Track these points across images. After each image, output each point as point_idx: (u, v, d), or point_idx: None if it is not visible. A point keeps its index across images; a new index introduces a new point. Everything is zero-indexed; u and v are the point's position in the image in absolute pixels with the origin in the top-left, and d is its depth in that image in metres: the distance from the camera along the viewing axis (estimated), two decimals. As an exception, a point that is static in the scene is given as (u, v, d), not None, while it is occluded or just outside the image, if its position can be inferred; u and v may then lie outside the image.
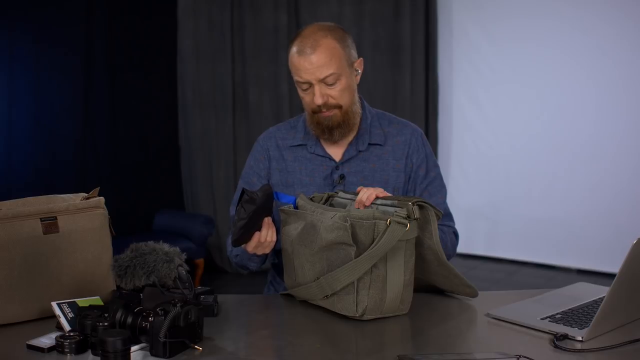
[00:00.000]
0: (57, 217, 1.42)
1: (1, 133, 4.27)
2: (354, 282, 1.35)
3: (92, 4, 4.61)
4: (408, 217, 1.36)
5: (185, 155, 5.08)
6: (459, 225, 1.84)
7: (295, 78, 1.68)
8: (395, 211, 1.38)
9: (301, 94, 1.71)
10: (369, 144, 1.77)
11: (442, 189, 1.80)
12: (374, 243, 1.34)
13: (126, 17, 4.80)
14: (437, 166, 1.83)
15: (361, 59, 1.75)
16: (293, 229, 1.49)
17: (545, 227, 5.03)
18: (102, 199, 1.50)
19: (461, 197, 5.40)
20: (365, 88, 5.05)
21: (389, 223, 1.33)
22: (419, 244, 1.44)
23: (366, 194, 1.48)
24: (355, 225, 1.35)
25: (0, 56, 4.22)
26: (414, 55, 5.33)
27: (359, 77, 1.75)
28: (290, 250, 1.49)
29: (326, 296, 1.40)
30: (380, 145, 1.78)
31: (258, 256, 1.67)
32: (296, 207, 1.53)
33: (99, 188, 1.52)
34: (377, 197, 1.47)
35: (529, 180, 5.14)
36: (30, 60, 4.36)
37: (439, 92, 5.48)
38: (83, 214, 1.46)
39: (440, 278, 1.52)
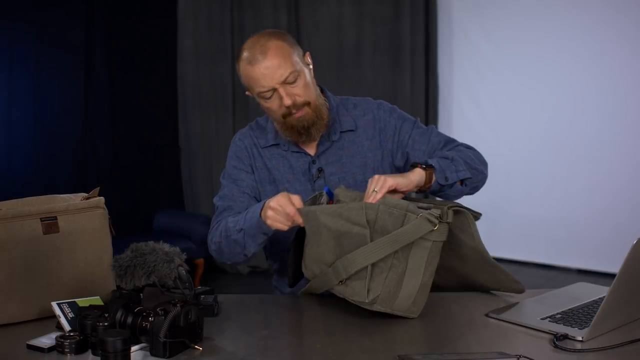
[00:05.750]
0: (57, 217, 1.42)
1: (1, 133, 4.27)
2: (367, 268, 1.35)
3: (92, 4, 4.61)
4: (440, 218, 1.35)
5: (185, 155, 5.08)
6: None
7: (257, 90, 1.65)
8: (430, 211, 1.37)
9: (266, 104, 1.68)
10: (341, 132, 1.76)
11: (428, 129, 1.78)
12: (396, 230, 1.33)
13: (126, 17, 4.80)
14: (413, 118, 1.80)
15: (307, 52, 1.73)
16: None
17: (545, 227, 5.02)
18: (102, 199, 1.50)
19: (461, 197, 5.38)
20: (365, 88, 5.04)
21: (419, 217, 1.33)
22: (461, 246, 1.45)
23: (372, 186, 1.46)
24: (385, 212, 1.35)
25: (0, 56, 4.22)
26: (414, 56, 5.32)
27: (312, 70, 1.72)
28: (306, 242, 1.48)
29: (340, 282, 1.39)
30: (352, 130, 1.77)
31: (262, 237, 1.61)
32: (332, 197, 1.53)
33: (99, 188, 1.52)
34: (405, 197, 1.47)
35: (529, 181, 5.13)
36: (30, 60, 4.36)
37: (439, 92, 5.47)
38: (83, 214, 1.46)
39: (487, 276, 1.53)
